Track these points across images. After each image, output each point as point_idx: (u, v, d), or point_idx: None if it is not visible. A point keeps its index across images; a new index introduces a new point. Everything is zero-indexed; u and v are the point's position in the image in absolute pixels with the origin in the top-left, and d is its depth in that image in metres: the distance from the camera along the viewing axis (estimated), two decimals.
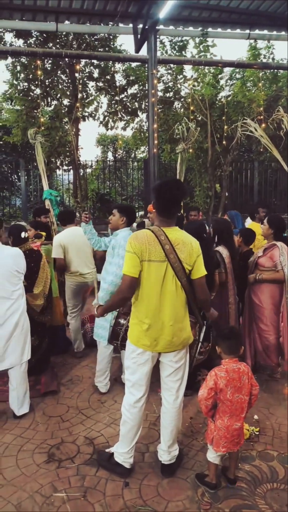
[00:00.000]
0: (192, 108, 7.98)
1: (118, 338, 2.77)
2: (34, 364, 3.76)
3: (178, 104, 9.56)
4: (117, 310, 2.89)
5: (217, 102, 8.71)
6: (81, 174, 9.95)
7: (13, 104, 9.73)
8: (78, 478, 2.61)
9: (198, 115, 8.44)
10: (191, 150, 7.16)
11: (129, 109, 9.98)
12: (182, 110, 9.31)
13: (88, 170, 10.78)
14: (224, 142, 8.15)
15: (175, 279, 2.38)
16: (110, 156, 14.87)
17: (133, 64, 9.20)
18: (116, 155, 14.70)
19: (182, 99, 9.31)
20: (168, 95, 9.28)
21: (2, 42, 8.77)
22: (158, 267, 2.37)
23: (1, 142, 9.82)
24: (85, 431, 3.14)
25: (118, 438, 2.69)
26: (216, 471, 2.56)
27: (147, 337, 2.42)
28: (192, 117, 7.83)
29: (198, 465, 2.75)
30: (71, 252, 4.36)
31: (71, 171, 10.53)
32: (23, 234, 3.83)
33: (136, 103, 9.91)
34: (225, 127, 7.90)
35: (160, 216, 2.46)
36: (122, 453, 2.60)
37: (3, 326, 3.12)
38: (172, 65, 8.83)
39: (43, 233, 4.50)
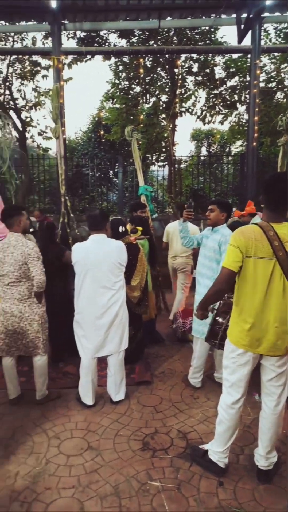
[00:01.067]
0: None
1: (217, 337, 2.72)
2: (130, 354, 3.90)
3: (281, 94, 9.08)
4: (216, 309, 2.85)
5: None
6: (175, 169, 10.01)
7: (113, 103, 10.12)
8: (172, 470, 2.65)
9: None
10: None
11: (228, 102, 9.73)
12: (285, 100, 8.81)
13: (183, 166, 10.79)
14: None
15: (283, 278, 2.26)
16: (204, 151, 14.70)
17: (234, 56, 8.95)
18: (211, 150, 14.48)
19: (286, 89, 8.81)
20: (270, 85, 8.85)
21: (107, 43, 9.16)
22: (264, 265, 2.27)
23: (103, 140, 10.29)
24: (178, 424, 3.17)
25: (212, 435, 2.67)
26: None
27: (248, 337, 2.34)
28: None
29: None
30: (172, 238, 5.51)
31: (166, 167, 10.65)
32: (120, 228, 4.00)
33: (235, 96, 9.63)
34: None
35: (269, 211, 2.34)
36: (218, 452, 2.57)
37: (105, 315, 3.28)
38: (275, 54, 8.39)
39: (140, 228, 4.63)
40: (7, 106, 9.61)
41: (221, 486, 2.50)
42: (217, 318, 2.78)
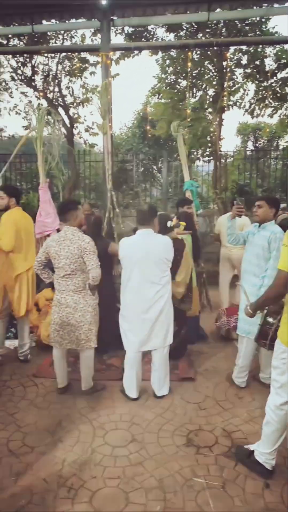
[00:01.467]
0: None
1: (267, 338, 2.65)
2: (173, 350, 3.89)
3: None
4: (266, 308, 2.77)
5: None
6: (221, 164, 9.82)
7: (159, 97, 10.07)
8: (217, 468, 2.63)
9: None
10: None
11: (278, 95, 9.40)
12: None
13: (229, 161, 10.57)
14: None
15: None
16: (250, 145, 14.30)
17: (286, 46, 8.61)
18: (257, 145, 14.06)
19: None
20: None
21: (155, 38, 9.11)
22: None
23: (149, 136, 10.28)
24: (223, 423, 3.14)
25: (258, 436, 2.62)
26: None
27: None
28: None
29: None
30: (223, 229, 5.30)
31: (210, 162, 10.46)
32: (169, 223, 4.00)
33: (286, 88, 9.27)
34: None
35: None
36: (264, 453, 2.52)
37: (151, 310, 3.29)
38: None
39: (183, 223, 4.60)
40: (56, 103, 9.84)
41: (267, 488, 2.45)
42: (267, 318, 2.71)
